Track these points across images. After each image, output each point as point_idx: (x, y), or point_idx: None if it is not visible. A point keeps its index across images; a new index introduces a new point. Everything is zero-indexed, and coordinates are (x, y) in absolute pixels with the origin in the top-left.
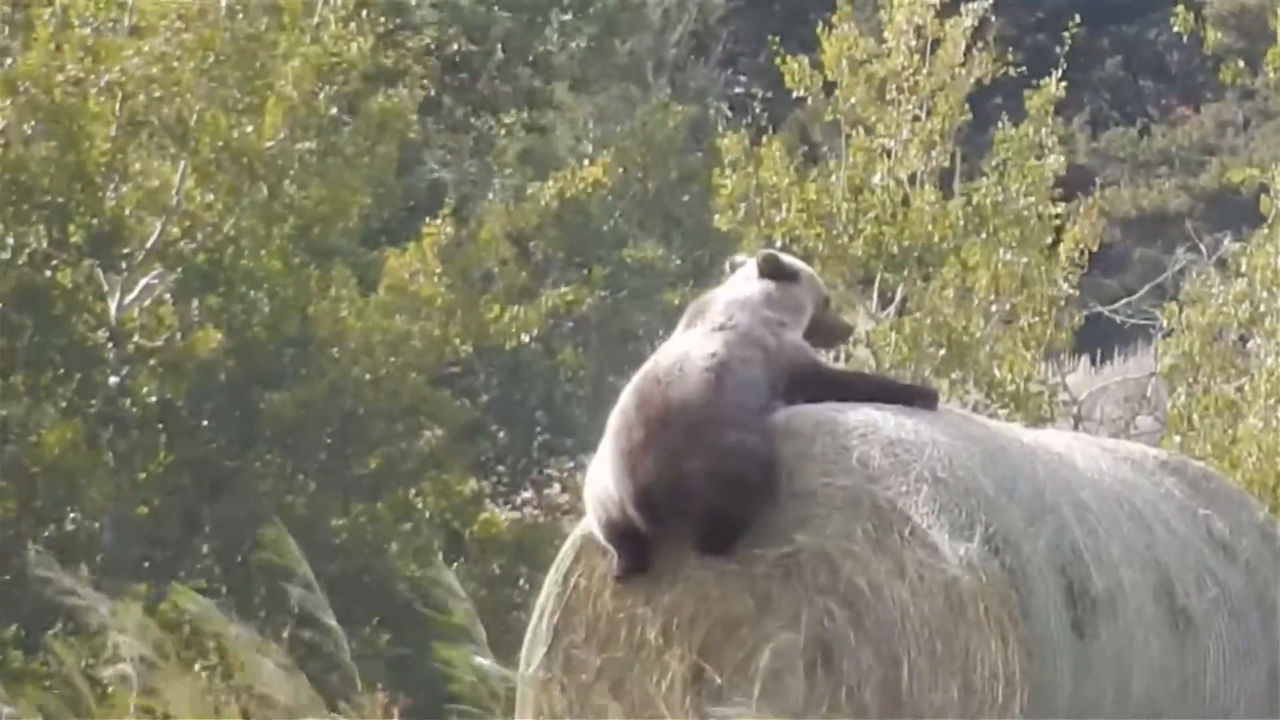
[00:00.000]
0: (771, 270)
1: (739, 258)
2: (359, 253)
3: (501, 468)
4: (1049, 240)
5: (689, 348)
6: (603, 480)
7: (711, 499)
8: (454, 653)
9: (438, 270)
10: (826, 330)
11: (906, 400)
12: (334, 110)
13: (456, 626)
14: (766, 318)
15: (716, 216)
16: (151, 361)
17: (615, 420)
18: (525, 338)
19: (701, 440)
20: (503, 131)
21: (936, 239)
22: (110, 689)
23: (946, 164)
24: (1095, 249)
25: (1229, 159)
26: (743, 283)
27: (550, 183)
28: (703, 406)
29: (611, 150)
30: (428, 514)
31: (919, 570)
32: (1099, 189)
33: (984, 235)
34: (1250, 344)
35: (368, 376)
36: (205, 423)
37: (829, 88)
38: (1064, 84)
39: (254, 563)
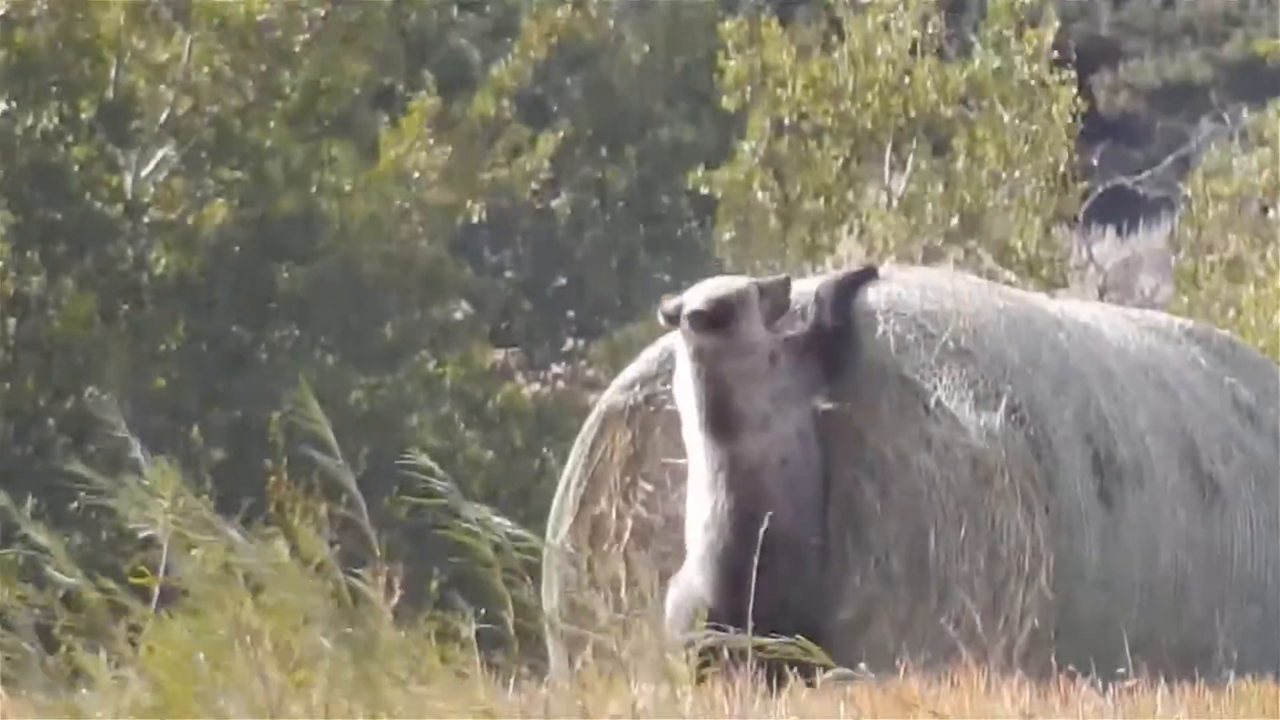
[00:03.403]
0: (711, 320)
1: (670, 305)
2: (369, 122)
3: (531, 342)
4: (1052, 108)
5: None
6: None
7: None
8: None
9: (430, 141)
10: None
11: (858, 283)
12: None
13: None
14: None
15: (724, 98)
16: (167, 236)
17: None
18: (536, 191)
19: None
20: None
21: (943, 109)
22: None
23: (945, 33)
24: (1086, 111)
25: (1253, 30)
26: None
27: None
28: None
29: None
30: (448, 385)
31: (944, 441)
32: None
33: (984, 105)
34: (1271, 214)
35: (381, 250)
36: (221, 297)
37: None
38: None
39: (274, 428)
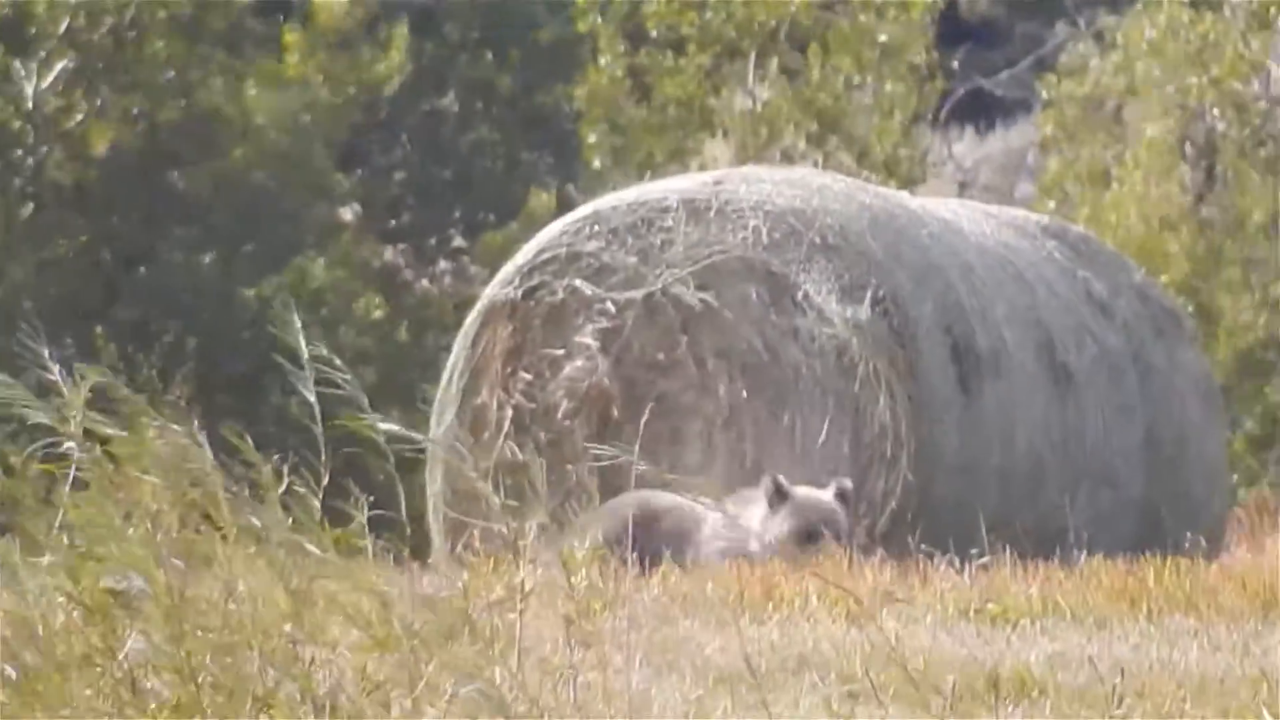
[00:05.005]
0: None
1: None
2: (258, 32)
3: (419, 240)
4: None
5: None
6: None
7: None
8: (357, 420)
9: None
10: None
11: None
12: None
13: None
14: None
15: (578, 21)
16: (65, 144)
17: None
18: (398, 86)
19: None
20: None
21: (803, 19)
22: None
23: None
24: (946, 14)
25: None
26: None
27: None
28: None
29: None
30: (332, 284)
31: (811, 332)
32: None
33: (840, 11)
34: (1126, 114)
35: (274, 154)
36: (119, 200)
37: None
38: None
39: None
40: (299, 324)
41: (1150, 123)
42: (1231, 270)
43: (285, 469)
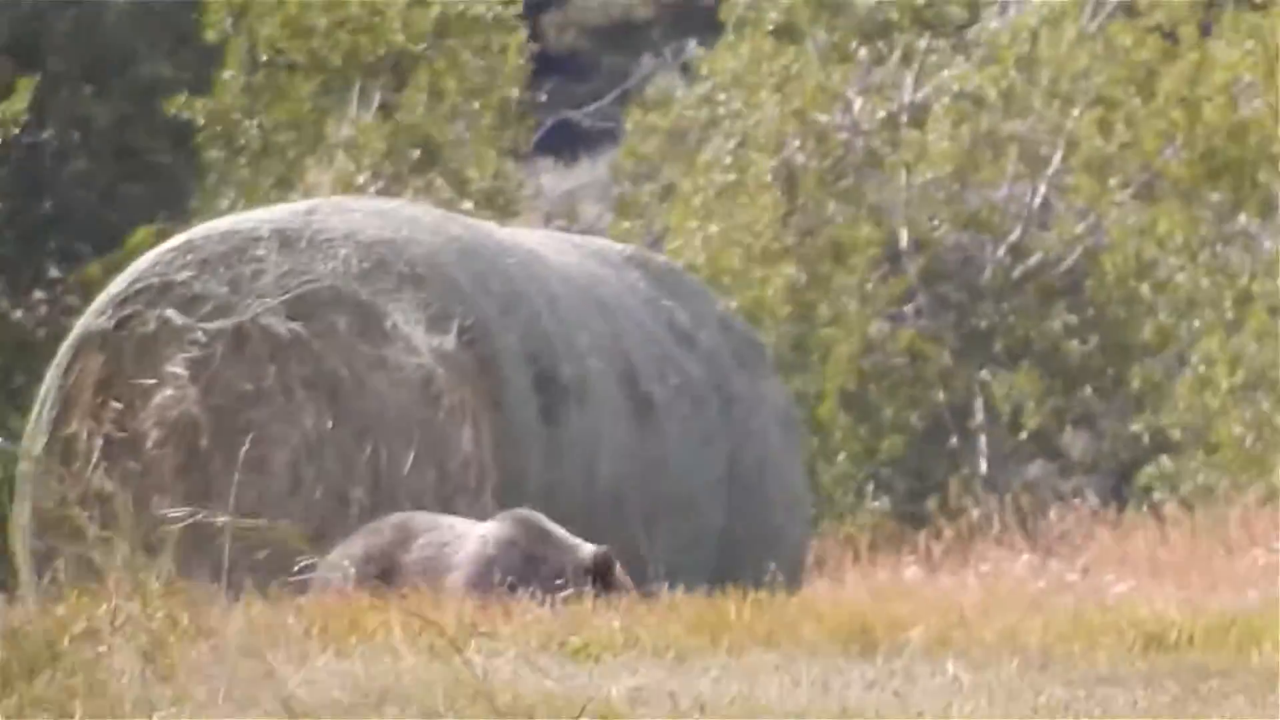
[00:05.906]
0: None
1: None
2: None
3: (15, 271)
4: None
5: None
6: None
7: None
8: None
9: None
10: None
11: None
12: None
13: None
14: None
15: (207, 31)
16: None
17: None
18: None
19: None
20: None
21: (410, 47)
22: None
23: None
24: (536, 49)
25: None
26: None
27: None
28: None
29: None
30: None
31: (398, 363)
32: None
33: (447, 44)
34: (709, 145)
35: None
36: None
37: None
38: None
39: None
40: None
41: (731, 153)
42: (824, 305)
43: None
